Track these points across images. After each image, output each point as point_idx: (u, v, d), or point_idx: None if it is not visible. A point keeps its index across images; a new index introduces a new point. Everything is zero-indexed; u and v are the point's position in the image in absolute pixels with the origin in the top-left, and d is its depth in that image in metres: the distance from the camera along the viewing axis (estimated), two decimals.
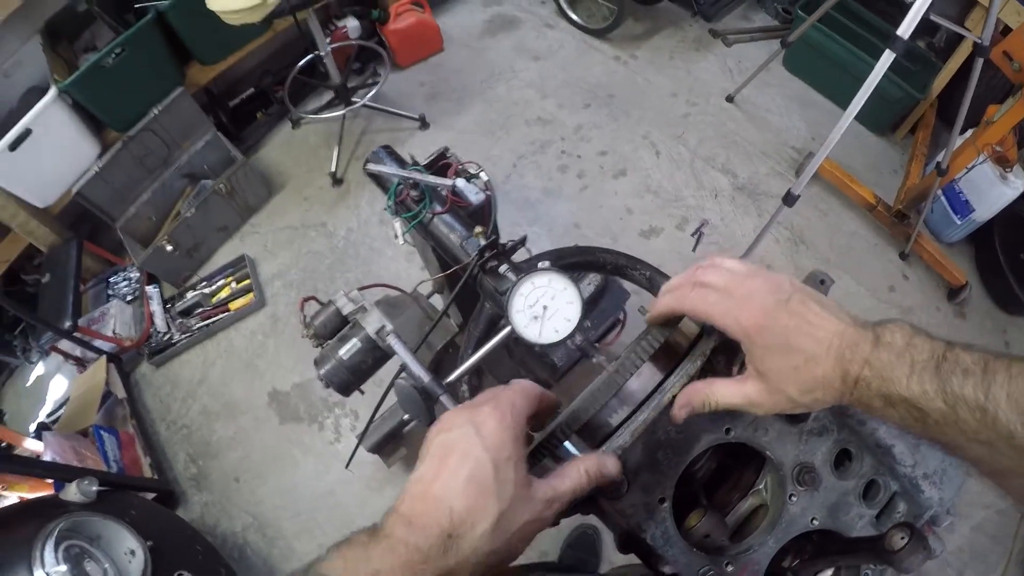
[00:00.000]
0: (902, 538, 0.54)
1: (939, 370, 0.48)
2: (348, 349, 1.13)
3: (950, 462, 0.73)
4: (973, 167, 2.87)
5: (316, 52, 2.63)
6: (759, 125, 3.29)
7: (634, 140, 3.11)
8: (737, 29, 3.61)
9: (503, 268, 1.03)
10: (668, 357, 0.68)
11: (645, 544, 0.63)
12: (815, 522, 0.67)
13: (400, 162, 1.27)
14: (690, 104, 3.29)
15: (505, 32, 3.42)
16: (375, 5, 3.08)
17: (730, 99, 3.32)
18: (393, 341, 1.01)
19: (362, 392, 1.22)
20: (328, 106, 2.94)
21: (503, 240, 1.13)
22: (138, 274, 2.59)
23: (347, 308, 1.17)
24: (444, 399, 0.90)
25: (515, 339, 0.79)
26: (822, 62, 3.30)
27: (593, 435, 0.64)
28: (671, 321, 0.63)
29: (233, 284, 2.59)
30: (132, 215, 2.56)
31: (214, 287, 2.59)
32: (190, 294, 2.58)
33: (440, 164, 1.29)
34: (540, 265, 0.90)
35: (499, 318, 1.08)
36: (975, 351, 0.49)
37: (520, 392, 0.57)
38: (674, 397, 0.60)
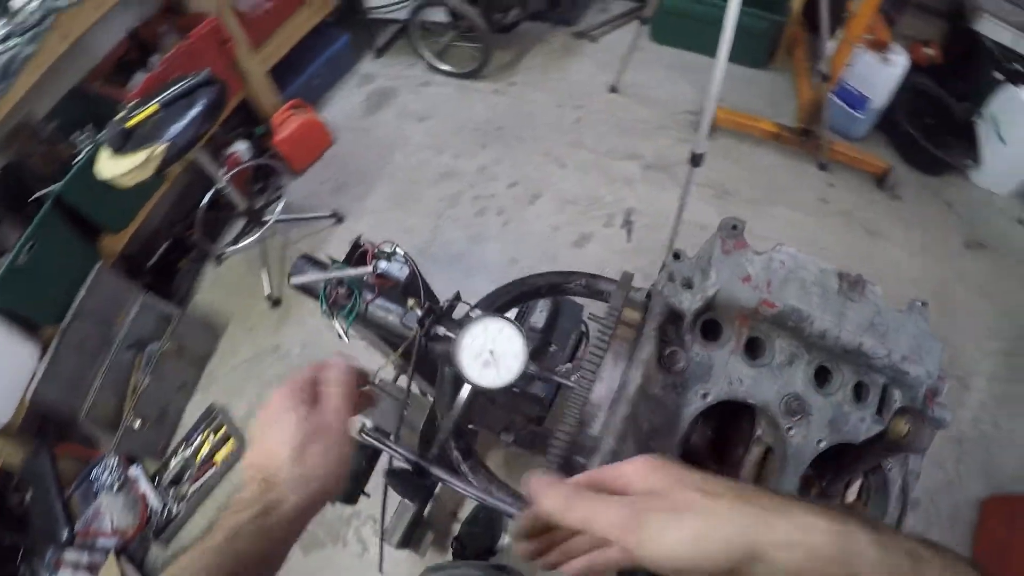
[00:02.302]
0: (905, 423, 0.54)
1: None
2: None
3: (921, 335, 0.73)
4: (853, 62, 2.97)
5: (216, 186, 2.66)
6: (648, 103, 3.39)
7: (537, 161, 3.19)
8: (598, 24, 3.76)
9: (441, 330, 1.06)
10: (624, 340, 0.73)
11: None
12: (822, 444, 0.69)
13: (320, 266, 1.29)
14: (577, 108, 3.39)
15: (385, 105, 3.49)
16: (258, 122, 3.15)
17: (614, 89, 3.43)
18: (368, 437, 1.04)
19: (367, 495, 1.22)
20: (244, 233, 2.96)
21: (441, 302, 1.17)
22: (116, 460, 2.57)
23: None
24: (436, 471, 0.92)
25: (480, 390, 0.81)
26: (684, 23, 3.44)
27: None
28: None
29: (211, 437, 2.55)
30: (92, 404, 2.52)
31: (194, 446, 2.56)
32: (173, 461, 2.54)
33: (358, 254, 1.30)
34: (472, 315, 0.93)
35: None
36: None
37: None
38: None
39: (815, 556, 0.39)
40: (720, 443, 0.75)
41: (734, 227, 0.72)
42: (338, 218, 3.00)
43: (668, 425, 0.66)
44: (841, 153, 3.17)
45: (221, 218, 3.03)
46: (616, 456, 0.63)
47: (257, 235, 2.81)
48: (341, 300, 1.24)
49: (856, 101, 3.18)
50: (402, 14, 3.41)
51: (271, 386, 2.65)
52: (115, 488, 2.54)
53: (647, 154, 3.21)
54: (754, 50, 3.42)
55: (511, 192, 3.08)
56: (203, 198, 2.85)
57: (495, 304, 1.22)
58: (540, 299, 1.40)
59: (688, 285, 0.74)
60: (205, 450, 2.54)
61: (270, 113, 3.10)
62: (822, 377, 0.72)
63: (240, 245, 2.89)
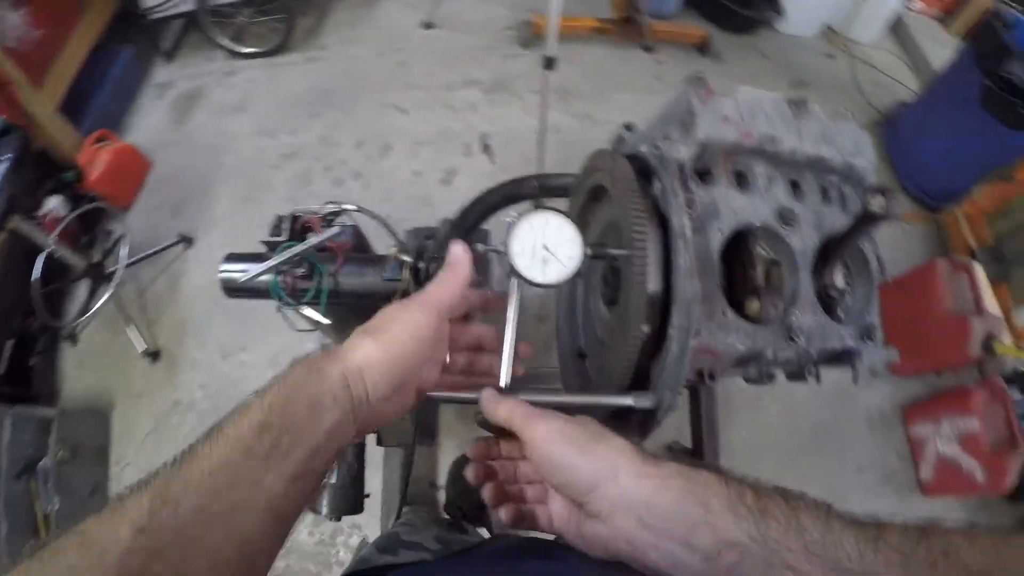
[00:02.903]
0: (879, 198, 0.64)
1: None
2: (333, 471, 1.06)
3: (856, 135, 0.84)
4: None
5: (44, 251, 2.33)
6: (467, 29, 3.34)
7: (376, 114, 3.05)
8: None
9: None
10: None
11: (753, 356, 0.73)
12: (813, 241, 0.79)
13: (254, 258, 1.13)
14: (398, 52, 3.27)
15: (195, 107, 3.14)
16: (63, 169, 2.76)
17: (429, 25, 3.35)
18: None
19: (368, 495, 1.14)
20: (92, 295, 2.56)
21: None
22: None
23: None
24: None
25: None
26: None
27: None
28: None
29: None
30: (4, 554, 2.21)
31: None
32: None
33: (300, 228, 1.17)
34: (507, 219, 0.77)
35: None
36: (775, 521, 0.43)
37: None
38: None
39: (666, 487, 0.45)
40: (731, 278, 0.78)
41: (699, 79, 0.77)
42: (188, 241, 2.70)
43: (707, 266, 0.71)
44: (662, 32, 3.30)
45: (60, 290, 2.57)
46: (695, 299, 0.67)
47: (108, 292, 2.45)
48: (301, 284, 1.09)
49: None
50: (188, 5, 3.02)
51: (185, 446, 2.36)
52: None
53: (483, 77, 3.17)
54: None
55: (360, 152, 2.93)
56: (32, 273, 2.38)
57: (464, 228, 1.14)
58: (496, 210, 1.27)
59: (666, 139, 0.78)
60: None
61: (74, 155, 2.68)
62: (796, 189, 0.82)
63: (92, 311, 2.50)
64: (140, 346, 2.47)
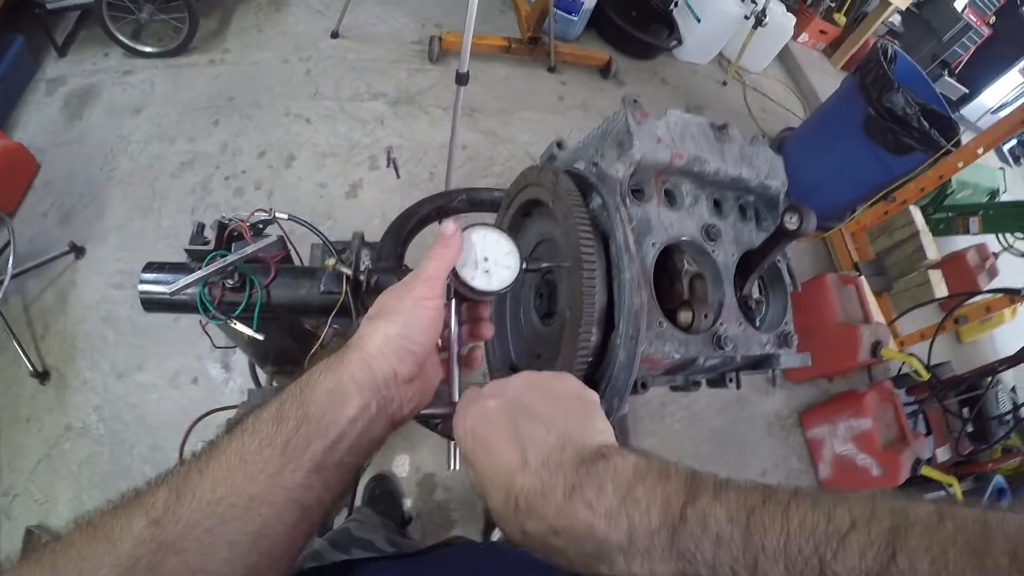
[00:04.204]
0: (795, 217, 0.72)
1: (675, 546, 0.37)
2: None
3: (771, 158, 0.91)
4: None
5: None
6: (373, 41, 3.36)
7: (280, 123, 3.01)
8: None
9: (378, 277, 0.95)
10: None
11: (686, 363, 0.78)
12: (734, 256, 0.84)
13: (179, 269, 1.05)
14: (305, 60, 3.23)
15: (89, 106, 2.95)
16: None
17: (335, 35, 3.32)
18: None
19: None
20: None
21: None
22: None
23: None
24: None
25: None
26: None
27: None
28: None
29: None
30: None
31: None
32: None
33: (227, 236, 1.09)
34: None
35: None
36: (727, 494, 0.38)
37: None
38: None
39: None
40: (659, 289, 0.83)
41: (635, 101, 0.81)
42: (78, 250, 2.54)
43: (643, 279, 0.73)
44: (567, 54, 3.45)
45: None
46: (642, 309, 0.69)
47: None
48: (230, 296, 1.02)
49: (570, 6, 3.42)
50: None
51: (83, 476, 2.19)
52: None
53: (389, 90, 3.18)
54: None
55: (263, 161, 2.87)
56: None
57: (400, 236, 1.12)
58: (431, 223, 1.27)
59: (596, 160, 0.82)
60: None
61: None
62: (718, 207, 0.88)
63: None
64: (27, 367, 2.29)
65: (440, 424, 0.61)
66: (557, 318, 0.82)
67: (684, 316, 0.80)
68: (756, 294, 0.92)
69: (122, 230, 2.65)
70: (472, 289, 0.61)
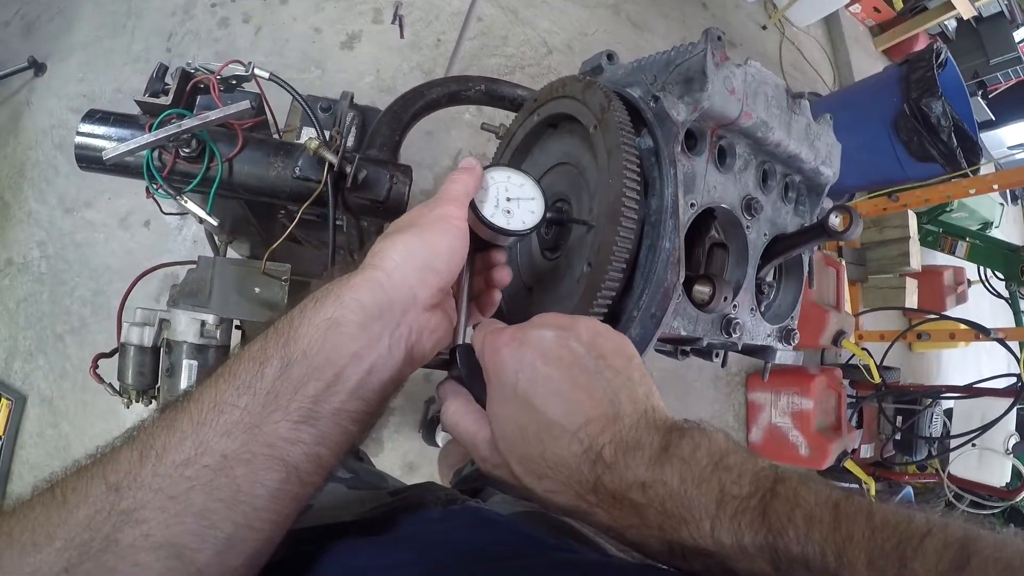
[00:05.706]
0: (843, 218, 0.64)
1: (767, 517, 0.35)
2: (188, 376, 0.90)
3: (832, 143, 0.83)
4: None
5: None
6: None
7: None
8: None
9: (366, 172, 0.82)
10: None
11: (689, 341, 0.72)
12: (766, 236, 0.78)
13: (127, 120, 0.87)
14: None
15: None
16: None
17: None
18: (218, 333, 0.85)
19: None
20: None
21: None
22: None
23: (145, 336, 0.91)
24: None
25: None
26: None
27: None
28: None
29: None
30: None
31: None
32: None
33: (190, 89, 0.90)
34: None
35: None
36: (812, 482, 0.36)
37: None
38: None
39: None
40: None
41: (719, 38, 0.70)
42: (38, 66, 2.27)
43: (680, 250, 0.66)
44: None
45: None
46: (674, 290, 0.63)
47: None
48: (185, 166, 0.85)
49: None
50: None
51: (20, 314, 2.06)
52: None
53: None
54: None
55: None
56: None
57: (400, 120, 0.98)
58: (436, 110, 1.11)
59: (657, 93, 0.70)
60: None
61: None
62: (764, 180, 0.79)
63: None
64: None
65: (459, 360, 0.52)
66: (563, 257, 0.74)
67: (700, 291, 0.71)
68: (769, 277, 0.85)
69: (88, 48, 2.36)
70: (491, 226, 0.55)
